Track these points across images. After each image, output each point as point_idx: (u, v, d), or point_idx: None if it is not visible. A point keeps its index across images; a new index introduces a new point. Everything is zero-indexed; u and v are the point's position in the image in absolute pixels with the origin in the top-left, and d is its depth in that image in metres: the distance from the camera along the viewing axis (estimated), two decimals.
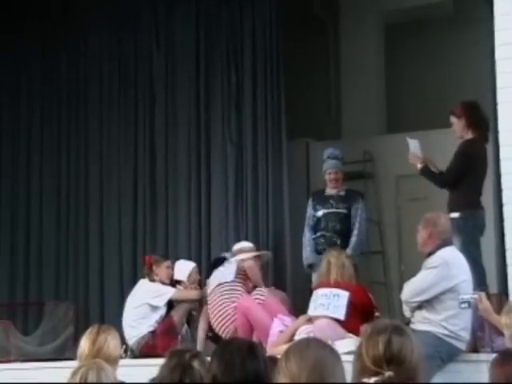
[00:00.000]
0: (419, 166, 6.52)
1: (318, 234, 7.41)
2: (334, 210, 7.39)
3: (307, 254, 7.43)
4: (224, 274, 7.10)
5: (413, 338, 2.84)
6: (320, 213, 7.44)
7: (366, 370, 2.78)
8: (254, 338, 6.38)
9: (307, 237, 7.48)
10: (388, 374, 2.73)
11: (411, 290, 5.58)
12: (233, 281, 7.02)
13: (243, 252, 7.28)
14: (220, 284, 7.02)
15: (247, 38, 8.59)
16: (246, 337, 6.51)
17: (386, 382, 2.68)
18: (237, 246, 7.48)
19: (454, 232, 6.09)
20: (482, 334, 5.63)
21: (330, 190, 7.52)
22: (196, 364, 3.29)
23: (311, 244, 7.44)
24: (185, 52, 8.91)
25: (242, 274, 7.09)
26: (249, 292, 6.99)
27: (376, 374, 2.75)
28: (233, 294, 6.93)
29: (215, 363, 2.99)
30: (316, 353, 2.51)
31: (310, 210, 7.58)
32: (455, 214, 6.21)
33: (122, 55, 9.26)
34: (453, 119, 6.54)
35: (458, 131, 6.49)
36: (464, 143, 6.41)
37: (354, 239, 7.24)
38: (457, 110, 6.50)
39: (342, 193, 7.49)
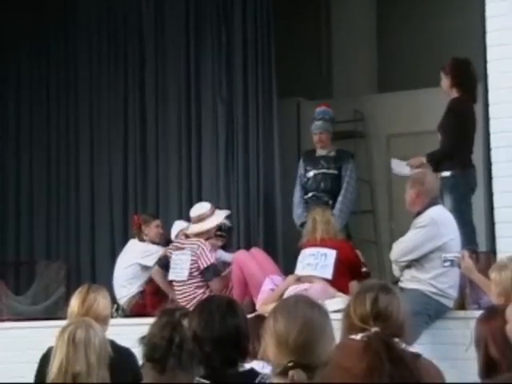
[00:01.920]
0: (423, 159, 6.40)
1: (310, 194, 7.42)
2: (325, 171, 7.39)
3: (298, 212, 7.43)
4: (176, 268, 6.73)
5: (399, 296, 2.89)
6: (311, 173, 7.45)
7: (354, 328, 2.83)
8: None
9: (297, 196, 7.49)
10: (374, 329, 2.78)
11: (400, 249, 5.61)
12: (188, 279, 6.67)
13: (202, 220, 6.84)
14: (174, 281, 6.74)
15: None
16: (240, 290, 6.56)
17: (372, 337, 2.73)
18: (194, 212, 6.93)
19: (446, 191, 6.11)
20: (469, 292, 5.68)
21: (320, 151, 7.51)
22: (186, 322, 3.32)
23: (301, 203, 7.45)
24: (174, 12, 8.84)
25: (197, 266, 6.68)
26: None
27: (363, 330, 2.80)
28: (191, 295, 6.66)
29: (195, 320, 3.04)
30: (304, 312, 2.50)
31: (300, 170, 7.58)
32: (447, 173, 6.22)
33: (111, 17, 9.18)
34: (442, 75, 6.52)
35: (445, 88, 6.49)
36: (452, 101, 6.40)
37: (340, 199, 7.25)
38: (446, 67, 6.49)
39: (333, 153, 7.48)
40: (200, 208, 6.96)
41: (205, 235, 6.82)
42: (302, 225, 7.31)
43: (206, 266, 6.63)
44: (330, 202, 7.27)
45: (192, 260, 6.65)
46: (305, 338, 2.44)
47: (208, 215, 6.86)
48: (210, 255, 6.66)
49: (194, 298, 6.49)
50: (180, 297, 6.70)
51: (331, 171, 7.38)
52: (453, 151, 6.30)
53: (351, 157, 7.62)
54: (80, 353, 3.24)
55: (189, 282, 6.68)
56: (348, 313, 2.89)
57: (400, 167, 6.62)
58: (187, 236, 6.94)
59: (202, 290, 6.62)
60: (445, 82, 6.47)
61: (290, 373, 2.37)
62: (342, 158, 7.44)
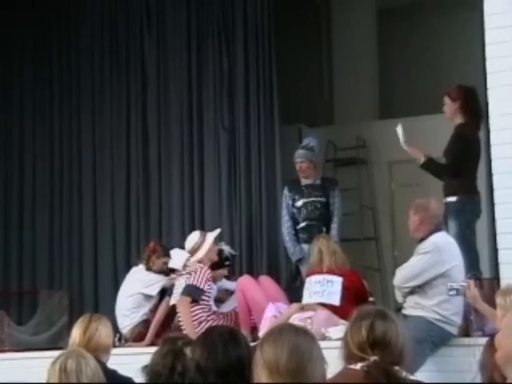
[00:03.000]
0: (422, 159, 6.41)
1: (303, 224, 7.36)
2: (314, 199, 7.36)
3: (291, 248, 7.37)
4: (176, 293, 6.79)
5: (398, 322, 2.86)
6: (299, 203, 7.39)
7: (352, 356, 2.81)
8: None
9: (287, 226, 7.41)
10: (373, 358, 2.75)
11: (403, 275, 5.60)
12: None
13: (196, 249, 6.92)
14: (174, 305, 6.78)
15: (239, 23, 8.56)
16: (244, 315, 6.53)
17: (372, 366, 2.70)
18: (187, 246, 7.01)
19: (451, 216, 6.10)
20: (473, 319, 5.65)
21: (304, 180, 7.45)
22: (188, 351, 3.31)
23: (292, 236, 7.39)
24: (176, 38, 8.88)
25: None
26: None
27: (362, 359, 2.77)
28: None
29: (198, 350, 3.03)
30: (290, 338, 2.50)
31: (287, 200, 7.48)
32: (453, 198, 6.21)
33: (113, 41, 9.23)
34: (447, 100, 6.51)
35: (450, 113, 6.48)
36: (459, 127, 6.40)
37: (335, 226, 7.24)
38: (452, 93, 6.48)
39: (318, 182, 7.46)
40: (191, 239, 7.03)
41: (206, 262, 6.85)
42: (299, 260, 7.28)
43: (189, 283, 6.61)
44: (324, 229, 7.25)
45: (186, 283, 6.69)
46: (294, 362, 2.44)
47: (201, 242, 6.93)
48: (201, 279, 6.63)
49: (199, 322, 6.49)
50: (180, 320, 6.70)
51: (320, 199, 7.35)
52: (455, 175, 6.29)
53: (336, 184, 7.59)
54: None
55: None
56: (346, 341, 2.87)
57: (401, 134, 6.56)
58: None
59: (206, 314, 6.61)
60: (450, 107, 6.47)
61: None
62: (327, 185, 7.44)
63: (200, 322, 6.51)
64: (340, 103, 10.16)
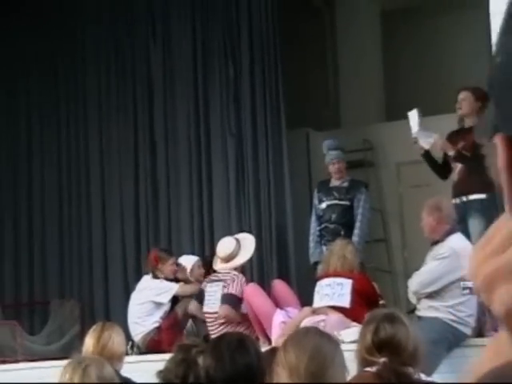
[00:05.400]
0: (451, 152, 6.35)
1: (322, 225, 7.43)
2: (337, 202, 7.39)
3: (311, 249, 7.43)
4: (210, 300, 6.80)
5: (409, 324, 2.85)
6: (324, 205, 7.46)
7: (364, 360, 2.81)
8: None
9: (312, 227, 7.50)
10: (382, 360, 2.75)
11: (421, 281, 5.56)
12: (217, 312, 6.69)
13: (232, 257, 6.90)
14: (208, 313, 6.81)
15: (244, 29, 8.58)
16: (255, 323, 6.53)
17: (382, 368, 2.69)
18: (224, 251, 6.94)
19: (476, 214, 6.05)
20: (486, 319, 5.63)
21: (334, 181, 7.52)
22: (201, 360, 3.29)
23: (315, 236, 7.45)
24: (182, 45, 8.90)
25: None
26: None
27: (373, 362, 2.78)
28: (214, 328, 6.66)
29: (207, 359, 3.00)
30: (314, 342, 2.50)
31: (315, 201, 7.59)
32: (481, 195, 6.18)
33: (118, 50, 9.26)
34: (468, 97, 6.45)
35: (469, 110, 6.42)
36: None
37: (356, 231, 7.23)
38: (478, 92, 6.40)
39: (346, 183, 7.48)
40: (228, 246, 6.98)
41: (240, 270, 6.91)
42: (316, 263, 7.28)
43: (226, 292, 6.65)
44: (342, 232, 7.26)
45: (223, 291, 6.71)
46: (316, 365, 2.44)
47: (237, 251, 6.93)
48: (238, 287, 6.67)
49: (223, 330, 6.49)
50: (210, 328, 6.73)
51: (343, 202, 7.37)
52: (486, 170, 6.24)
53: (364, 187, 7.61)
54: None
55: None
56: (358, 345, 2.88)
57: (414, 120, 6.48)
58: (208, 271, 7.04)
59: (234, 324, 6.62)
60: (471, 105, 6.41)
61: None
62: (354, 188, 7.44)
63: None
64: (346, 106, 10.16)
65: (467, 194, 6.20)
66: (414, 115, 6.58)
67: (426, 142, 6.47)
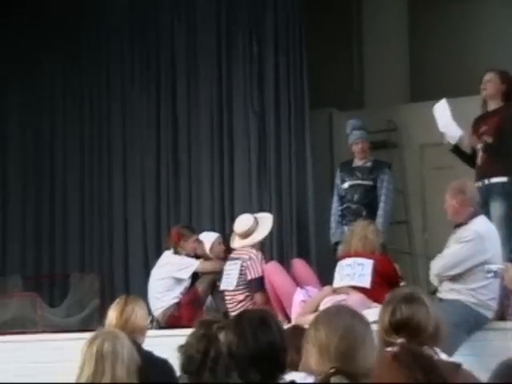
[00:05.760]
0: (480, 145, 6.26)
1: (344, 205, 7.41)
2: (360, 182, 7.36)
3: (332, 229, 7.42)
4: (227, 278, 6.82)
5: (429, 305, 2.83)
6: (346, 184, 7.43)
7: (383, 341, 2.80)
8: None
9: (334, 207, 7.48)
10: (399, 341, 2.73)
11: (444, 263, 5.50)
12: (236, 289, 6.75)
13: (249, 234, 6.90)
14: (224, 290, 6.86)
15: (269, 8, 8.52)
16: (276, 301, 6.54)
17: (399, 350, 2.68)
18: (241, 227, 6.94)
19: (498, 197, 6.01)
20: (508, 303, 5.60)
21: (357, 161, 7.49)
22: (222, 336, 3.29)
23: (336, 216, 7.43)
24: (206, 24, 8.87)
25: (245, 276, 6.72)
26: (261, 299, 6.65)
27: (391, 343, 2.76)
28: (239, 304, 6.71)
29: (230, 336, 2.99)
30: (345, 321, 2.49)
31: (337, 181, 7.56)
32: (503, 179, 6.12)
33: (143, 29, 9.25)
34: (493, 78, 6.38)
35: (494, 92, 6.35)
36: (509, 109, 6.30)
37: (381, 212, 7.20)
38: (504, 74, 6.36)
39: (369, 164, 7.44)
40: (246, 222, 6.98)
41: (258, 248, 6.89)
42: (336, 244, 7.27)
43: (252, 277, 6.66)
44: (364, 213, 7.23)
45: (241, 269, 6.72)
46: (346, 345, 2.43)
47: (255, 228, 6.92)
48: (259, 267, 6.68)
49: (242, 307, 6.51)
50: (229, 305, 6.77)
51: (366, 182, 7.34)
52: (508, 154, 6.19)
53: (388, 167, 7.57)
54: (107, 366, 3.22)
55: (237, 292, 6.73)
56: (378, 327, 2.86)
57: (446, 117, 6.40)
58: (228, 248, 7.04)
59: (250, 301, 6.66)
60: (496, 86, 6.35)
61: (332, 379, 2.35)
62: (378, 168, 7.40)
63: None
64: (370, 87, 10.09)
65: (489, 178, 6.15)
66: (442, 107, 6.47)
67: (452, 138, 6.38)
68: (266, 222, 7.08)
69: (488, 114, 6.43)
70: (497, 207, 5.99)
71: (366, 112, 9.20)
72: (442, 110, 6.47)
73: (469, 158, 6.45)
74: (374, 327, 2.92)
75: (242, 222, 7.03)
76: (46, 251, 9.42)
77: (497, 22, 9.47)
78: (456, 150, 6.47)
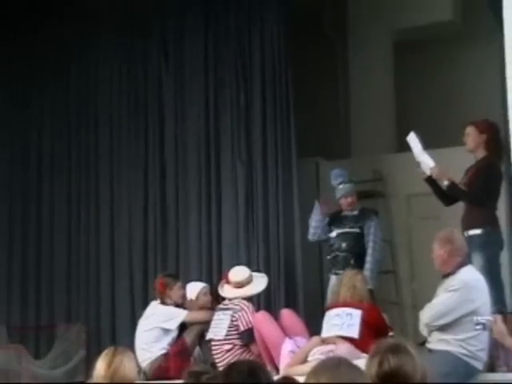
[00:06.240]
0: (446, 182, 6.41)
1: (332, 254, 7.43)
2: (348, 230, 7.39)
3: (312, 231, 7.51)
4: (215, 327, 6.81)
5: (416, 355, 2.80)
6: (334, 233, 7.47)
7: None
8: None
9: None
10: None
11: (433, 313, 5.51)
12: (224, 339, 6.74)
13: (243, 285, 6.95)
14: (211, 340, 6.83)
15: (256, 58, 8.60)
16: (264, 351, 6.50)
17: None
18: (237, 277, 7.01)
19: (477, 249, 6.04)
20: (498, 354, 5.59)
21: (345, 212, 7.53)
22: None
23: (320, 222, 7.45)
24: (193, 73, 8.93)
25: (236, 327, 6.73)
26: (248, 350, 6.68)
27: None
28: (226, 354, 6.70)
29: None
30: (348, 373, 2.47)
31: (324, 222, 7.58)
32: (478, 231, 6.17)
33: (131, 77, 9.30)
34: (472, 132, 6.48)
35: (474, 145, 6.46)
36: (486, 160, 6.39)
37: (368, 259, 7.21)
38: (481, 125, 6.47)
39: (356, 212, 7.49)
40: (244, 272, 7.06)
41: (248, 300, 6.91)
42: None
43: (244, 329, 6.65)
44: (352, 261, 7.24)
45: (232, 320, 6.70)
46: None
47: (250, 280, 6.99)
48: (250, 318, 6.69)
49: (232, 358, 6.47)
50: (215, 355, 6.74)
51: (353, 230, 7.37)
52: (478, 205, 6.26)
53: (375, 214, 7.60)
54: None
55: (225, 342, 6.70)
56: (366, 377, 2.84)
57: (414, 144, 6.50)
58: (217, 298, 7.03)
59: (240, 351, 6.64)
60: (476, 139, 6.45)
61: None
62: (365, 215, 7.44)
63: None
64: (357, 136, 10.16)
65: (468, 230, 6.20)
66: (412, 138, 6.59)
67: (426, 168, 6.49)
68: (261, 279, 7.16)
69: (472, 165, 6.52)
70: (477, 260, 6.03)
71: (353, 161, 9.26)
72: (413, 141, 6.57)
73: (442, 194, 6.52)
74: None
75: (239, 272, 7.08)
76: (32, 302, 9.33)
77: (482, 72, 9.58)
78: (430, 180, 6.53)
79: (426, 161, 6.51)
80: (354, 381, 2.44)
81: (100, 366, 4.12)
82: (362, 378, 2.48)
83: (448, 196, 6.56)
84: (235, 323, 6.71)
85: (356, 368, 2.52)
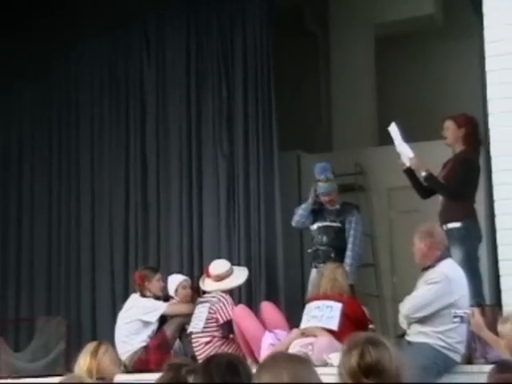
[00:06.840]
0: (424, 173, 6.44)
1: (313, 248, 7.44)
2: (329, 224, 7.39)
3: (297, 218, 7.48)
4: (195, 320, 6.86)
5: (391, 347, 2.83)
6: (315, 226, 7.46)
7: None
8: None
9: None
10: None
11: (412, 305, 5.53)
12: (202, 331, 6.78)
13: (222, 278, 7.00)
14: (191, 333, 6.87)
15: (238, 51, 8.59)
16: (245, 345, 6.52)
17: None
18: (216, 270, 7.08)
19: (456, 242, 6.08)
20: (475, 346, 5.63)
21: (327, 205, 7.54)
22: (191, 380, 3.26)
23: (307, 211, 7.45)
24: (176, 66, 8.91)
25: (215, 319, 6.79)
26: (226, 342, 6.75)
27: None
28: (205, 347, 6.72)
29: (198, 380, 2.95)
30: (288, 368, 2.48)
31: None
32: (456, 224, 6.20)
33: (112, 69, 9.26)
34: (451, 126, 6.53)
35: (453, 139, 6.51)
36: (464, 153, 6.43)
37: (349, 253, 7.22)
38: (459, 119, 6.51)
39: (337, 206, 7.49)
40: (224, 265, 7.12)
41: (227, 293, 6.95)
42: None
43: (223, 321, 6.68)
44: (333, 254, 7.26)
45: (210, 312, 6.72)
46: None
47: (230, 273, 7.03)
48: (230, 310, 6.72)
49: (211, 350, 6.48)
50: (195, 348, 6.76)
51: (334, 224, 7.38)
52: (455, 198, 6.30)
53: (356, 209, 7.61)
54: None
55: (203, 334, 6.72)
56: (340, 370, 2.85)
57: (395, 134, 6.56)
58: (197, 291, 7.08)
59: (219, 343, 6.66)
60: (454, 133, 6.50)
61: None
62: (345, 210, 7.44)
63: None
64: (338, 130, 10.19)
65: (447, 223, 6.22)
66: (393, 129, 6.62)
67: (406, 158, 6.52)
68: (241, 272, 7.20)
69: (450, 159, 6.56)
70: (456, 253, 6.06)
71: (334, 155, 9.28)
72: (394, 132, 6.61)
73: (420, 186, 6.55)
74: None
75: (219, 265, 7.12)
76: (11, 295, 9.29)
77: (463, 66, 9.63)
78: (409, 172, 6.56)
79: (405, 151, 6.54)
80: (297, 374, 2.46)
81: (83, 360, 4.13)
82: (304, 369, 2.50)
83: (425, 189, 6.60)
84: (214, 316, 6.74)
85: (298, 360, 2.54)
